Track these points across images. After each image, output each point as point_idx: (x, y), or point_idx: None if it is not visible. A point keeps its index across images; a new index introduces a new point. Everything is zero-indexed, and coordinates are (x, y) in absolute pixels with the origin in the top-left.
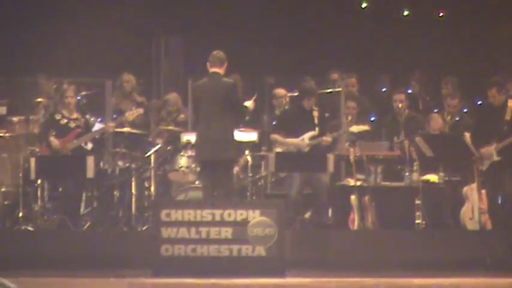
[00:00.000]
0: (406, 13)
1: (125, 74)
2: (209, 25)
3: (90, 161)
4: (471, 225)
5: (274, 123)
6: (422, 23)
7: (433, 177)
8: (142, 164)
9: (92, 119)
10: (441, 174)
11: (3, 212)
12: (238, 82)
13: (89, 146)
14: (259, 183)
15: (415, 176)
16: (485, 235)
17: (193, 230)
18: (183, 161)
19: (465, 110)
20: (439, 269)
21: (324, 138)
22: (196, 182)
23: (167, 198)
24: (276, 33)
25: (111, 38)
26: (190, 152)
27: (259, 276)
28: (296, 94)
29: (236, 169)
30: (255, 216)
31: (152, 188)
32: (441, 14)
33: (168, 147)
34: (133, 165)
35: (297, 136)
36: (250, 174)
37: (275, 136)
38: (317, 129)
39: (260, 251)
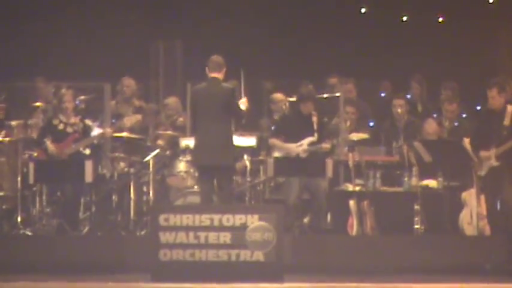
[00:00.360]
0: (405, 18)
1: (125, 78)
2: (208, 29)
3: (89, 165)
4: (470, 230)
5: (272, 128)
6: (421, 28)
7: (431, 183)
8: (140, 168)
9: (91, 124)
10: (440, 179)
11: (2, 216)
12: (236, 88)
13: (88, 150)
14: (258, 188)
15: (413, 181)
16: (484, 240)
17: (191, 234)
18: (181, 165)
19: (464, 115)
20: (437, 275)
21: (323, 145)
22: (195, 187)
23: (165, 202)
24: (275, 38)
25: (109, 42)
26: (188, 157)
27: (257, 281)
28: (294, 99)
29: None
30: (253, 221)
31: (151, 193)
32: (440, 19)
33: (167, 152)
34: (131, 170)
35: (296, 141)
36: (249, 179)
37: (274, 141)
38: (316, 134)
39: (259, 255)
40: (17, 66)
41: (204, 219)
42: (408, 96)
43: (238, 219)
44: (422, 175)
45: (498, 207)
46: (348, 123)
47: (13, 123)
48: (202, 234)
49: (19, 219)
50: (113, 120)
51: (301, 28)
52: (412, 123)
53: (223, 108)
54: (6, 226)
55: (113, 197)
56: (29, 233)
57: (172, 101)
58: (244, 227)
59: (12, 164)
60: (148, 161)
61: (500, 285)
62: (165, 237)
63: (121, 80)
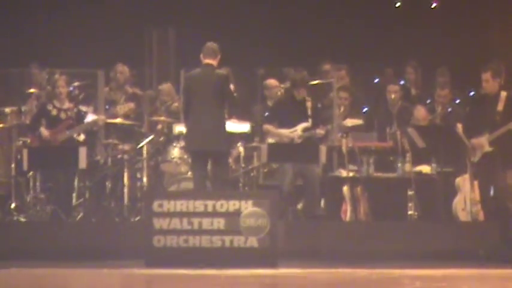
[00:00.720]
0: (398, 4)
1: (119, 65)
2: (201, 16)
3: (83, 152)
4: (463, 216)
5: (266, 114)
6: (414, 14)
7: (425, 168)
8: (134, 155)
9: (85, 110)
10: (433, 165)
11: None
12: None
13: (81, 137)
14: (252, 174)
15: (407, 167)
16: (478, 226)
17: (185, 220)
18: (175, 151)
19: (457, 101)
20: (431, 260)
21: (318, 130)
22: (189, 173)
23: (159, 189)
24: (267, 24)
25: (103, 28)
26: (182, 143)
27: (251, 267)
28: (287, 85)
29: (229, 160)
30: (247, 207)
31: (144, 179)
32: (433, 5)
33: (161, 138)
34: (125, 156)
35: (290, 127)
36: (243, 165)
37: (268, 127)
38: (310, 120)
39: (252, 241)
40: (10, 52)
41: (198, 205)
42: (402, 82)
43: (232, 205)
44: (416, 161)
45: (491, 192)
46: (342, 109)
47: (7, 109)
48: (196, 220)
49: (13, 205)
50: (107, 107)
51: (294, 15)
52: (405, 109)
53: (217, 94)
54: (0, 212)
55: (107, 183)
56: (23, 220)
57: (166, 87)
58: (238, 213)
59: (6, 151)
60: (142, 147)
61: (493, 271)
62: (159, 223)
63: (115, 67)
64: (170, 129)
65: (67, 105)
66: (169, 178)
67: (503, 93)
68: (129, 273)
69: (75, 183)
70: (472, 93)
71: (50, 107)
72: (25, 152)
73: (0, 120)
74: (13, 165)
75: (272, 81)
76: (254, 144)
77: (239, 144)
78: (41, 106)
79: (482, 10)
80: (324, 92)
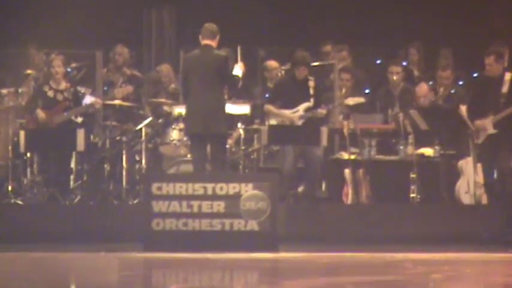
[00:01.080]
0: None
1: (119, 46)
2: None
3: (81, 134)
4: (466, 199)
5: (267, 95)
6: None
7: (428, 151)
8: (133, 137)
9: (83, 91)
10: (436, 147)
11: None
12: (229, 55)
13: (79, 118)
14: (252, 157)
15: (409, 149)
16: (481, 209)
17: (184, 203)
18: (174, 134)
19: (460, 83)
20: (434, 244)
21: (320, 110)
22: (188, 156)
23: (158, 171)
24: (268, 4)
25: (102, 8)
26: (182, 125)
27: (251, 250)
28: (288, 67)
29: (229, 142)
30: (247, 189)
31: (143, 161)
32: None
33: (160, 120)
34: (124, 138)
35: (292, 107)
36: (243, 148)
37: (269, 107)
38: (312, 100)
39: (253, 225)
40: (8, 32)
41: (198, 188)
42: (404, 63)
43: (232, 188)
44: (418, 143)
45: (495, 175)
46: (344, 90)
47: (4, 91)
48: (195, 203)
49: (10, 188)
50: (105, 88)
51: None
52: (408, 91)
53: (216, 76)
54: None
55: (105, 166)
56: (20, 202)
57: (164, 68)
58: (238, 195)
59: (3, 133)
60: (141, 129)
61: (497, 255)
62: (158, 206)
63: (114, 48)
64: (169, 111)
65: (64, 85)
66: (168, 160)
67: (508, 75)
68: (128, 257)
69: (73, 165)
70: (475, 75)
71: (46, 88)
72: (22, 133)
73: None
74: (10, 147)
75: (272, 63)
76: (254, 126)
77: (239, 126)
78: (38, 87)
79: None
80: (325, 73)
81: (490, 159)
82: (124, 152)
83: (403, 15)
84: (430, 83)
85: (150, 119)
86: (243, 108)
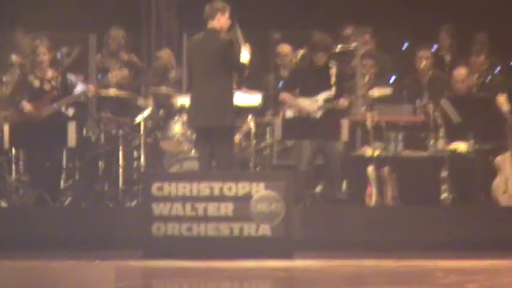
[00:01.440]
0: None
1: (113, 29)
2: None
3: (72, 127)
4: (504, 199)
5: (280, 85)
6: None
7: (461, 146)
8: (130, 131)
9: (73, 79)
10: (470, 142)
11: None
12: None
13: (70, 110)
14: (264, 153)
15: (440, 144)
16: None
17: (188, 206)
18: (177, 127)
19: (497, 70)
20: (468, 250)
21: (341, 100)
22: (192, 152)
23: (159, 169)
24: None
25: None
26: (185, 118)
27: (263, 258)
28: (301, 52)
29: (238, 137)
30: (259, 190)
31: (142, 159)
32: None
33: (161, 112)
34: (120, 133)
35: (311, 96)
36: (254, 143)
37: (284, 95)
38: (333, 89)
39: (265, 229)
40: None
41: (203, 188)
42: (433, 48)
43: (241, 188)
44: (451, 137)
45: None
46: (367, 78)
47: None
48: (200, 206)
49: None
50: (99, 76)
51: None
52: (438, 79)
53: (220, 63)
54: None
55: (99, 164)
56: (4, 205)
57: (164, 53)
58: (248, 196)
59: None
60: (140, 122)
61: None
62: (159, 208)
63: (108, 31)
64: (171, 101)
65: (50, 74)
66: (170, 157)
67: None
68: (125, 266)
69: (63, 163)
70: None
71: (31, 78)
72: (6, 128)
73: None
74: None
75: (285, 48)
76: (267, 118)
77: (249, 118)
78: (23, 76)
79: None
80: (346, 59)
81: None
82: (120, 148)
83: None
84: None
85: (149, 110)
86: (254, 99)
